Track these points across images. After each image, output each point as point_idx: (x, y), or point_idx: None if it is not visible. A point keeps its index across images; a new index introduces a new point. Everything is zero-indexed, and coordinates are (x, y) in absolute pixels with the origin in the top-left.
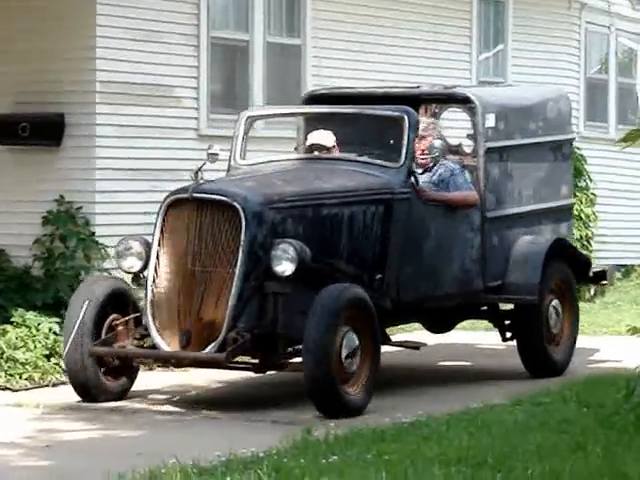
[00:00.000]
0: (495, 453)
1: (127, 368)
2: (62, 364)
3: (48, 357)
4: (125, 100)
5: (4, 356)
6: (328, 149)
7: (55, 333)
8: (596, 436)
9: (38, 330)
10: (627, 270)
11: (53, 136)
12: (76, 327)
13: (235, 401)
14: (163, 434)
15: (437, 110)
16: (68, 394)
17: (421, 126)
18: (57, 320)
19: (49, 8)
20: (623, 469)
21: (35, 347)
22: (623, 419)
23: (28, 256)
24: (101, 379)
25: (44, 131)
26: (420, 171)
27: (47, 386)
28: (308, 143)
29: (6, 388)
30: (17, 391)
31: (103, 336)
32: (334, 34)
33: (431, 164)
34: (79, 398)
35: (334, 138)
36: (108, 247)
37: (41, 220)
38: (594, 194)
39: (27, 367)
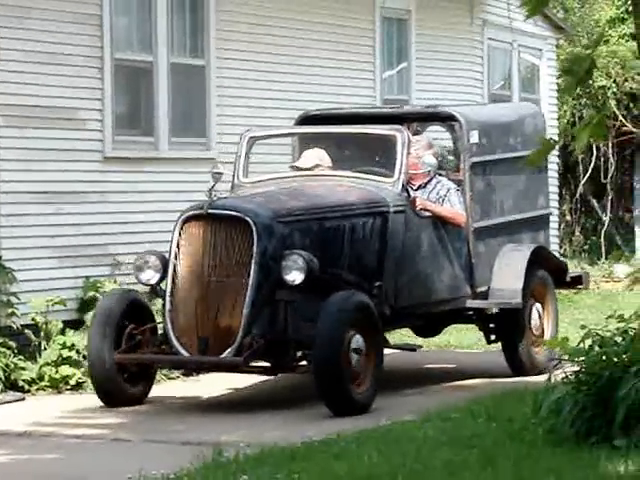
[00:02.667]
0: (405, 470)
1: (145, 374)
2: None
3: None
4: (29, 123)
5: None
6: (309, 169)
7: None
8: (505, 450)
9: None
10: None
11: None
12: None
13: (146, 423)
14: (73, 458)
15: (419, 128)
16: None
17: (414, 145)
18: None
19: None
20: None
21: None
22: (532, 433)
23: None
24: (123, 385)
25: None
26: (415, 187)
27: None
28: (291, 165)
29: None
30: None
31: (123, 345)
32: (238, 54)
33: (426, 180)
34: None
35: (322, 157)
36: (15, 271)
37: None
38: None
39: None
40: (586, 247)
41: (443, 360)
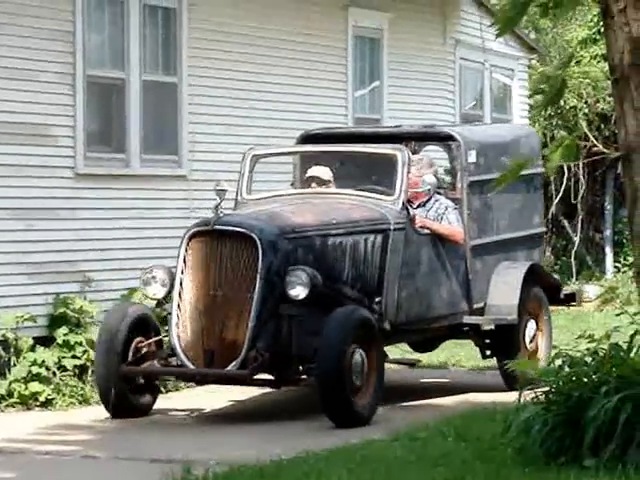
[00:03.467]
0: None
1: (150, 386)
2: None
3: None
4: (1, 139)
5: None
6: (325, 182)
7: None
8: (474, 470)
9: None
10: None
11: None
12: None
13: (117, 440)
14: (43, 475)
15: (416, 148)
16: None
17: (416, 164)
18: None
19: None
20: None
21: None
22: (501, 453)
23: None
24: (129, 397)
25: None
26: (415, 205)
27: None
28: (307, 175)
29: None
30: None
31: (130, 357)
32: (210, 72)
33: (425, 199)
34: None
35: (331, 173)
36: None
37: None
38: None
39: None
40: (557, 267)
41: (433, 375)
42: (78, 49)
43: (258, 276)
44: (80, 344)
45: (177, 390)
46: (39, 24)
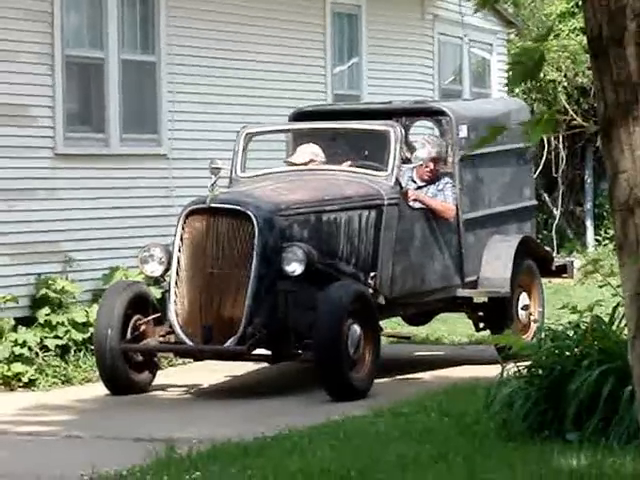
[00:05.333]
0: (358, 465)
1: (149, 363)
2: None
3: None
4: None
5: None
6: (304, 164)
7: None
8: (457, 445)
9: None
10: None
11: None
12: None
13: (100, 419)
14: (25, 454)
15: (407, 123)
16: None
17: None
18: None
19: None
20: (484, 477)
21: None
22: (484, 428)
23: None
24: (129, 374)
25: None
26: (423, 184)
27: None
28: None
29: None
30: None
31: (129, 335)
32: (189, 50)
33: (435, 179)
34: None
35: (317, 152)
36: None
37: None
38: None
39: None
40: (538, 241)
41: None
42: (56, 29)
43: (254, 253)
44: (62, 324)
45: (174, 366)
46: (17, 4)
